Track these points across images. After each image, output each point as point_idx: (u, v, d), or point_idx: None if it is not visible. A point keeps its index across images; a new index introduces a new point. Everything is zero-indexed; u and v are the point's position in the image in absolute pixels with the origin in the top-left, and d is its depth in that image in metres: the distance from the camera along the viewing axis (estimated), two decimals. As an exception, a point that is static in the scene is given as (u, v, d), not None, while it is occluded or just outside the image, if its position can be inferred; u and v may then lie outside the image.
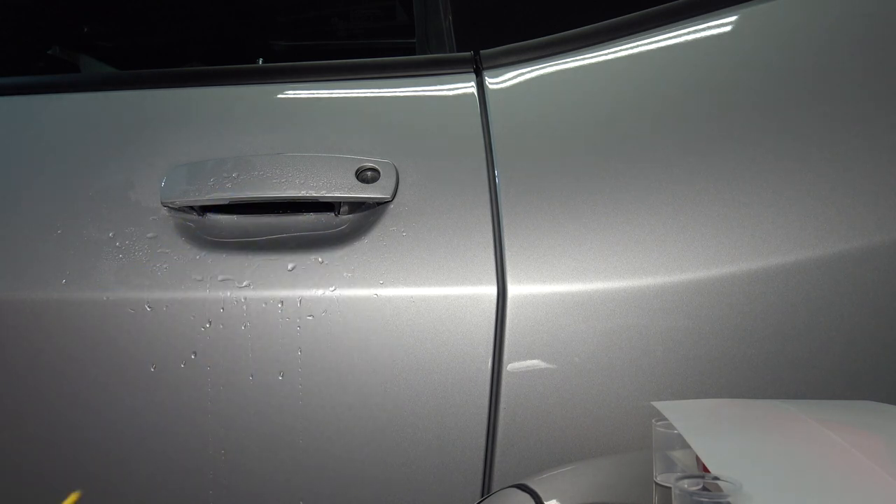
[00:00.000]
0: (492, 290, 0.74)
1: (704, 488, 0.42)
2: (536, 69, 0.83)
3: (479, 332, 0.74)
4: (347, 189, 0.78)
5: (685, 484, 0.42)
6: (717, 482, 0.41)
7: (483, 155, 0.79)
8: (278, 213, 0.82)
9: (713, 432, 0.51)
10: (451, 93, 0.84)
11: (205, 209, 0.82)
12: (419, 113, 0.84)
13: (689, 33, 0.81)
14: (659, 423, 0.53)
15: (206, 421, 0.78)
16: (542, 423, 0.74)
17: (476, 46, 0.87)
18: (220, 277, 0.79)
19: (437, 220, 0.77)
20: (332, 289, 0.77)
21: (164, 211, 0.82)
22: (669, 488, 0.45)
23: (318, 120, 0.85)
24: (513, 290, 0.74)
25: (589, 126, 0.79)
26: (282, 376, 0.77)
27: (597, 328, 0.73)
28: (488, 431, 0.75)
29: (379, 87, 0.86)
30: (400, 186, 0.79)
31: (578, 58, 0.83)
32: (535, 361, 0.74)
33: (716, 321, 0.72)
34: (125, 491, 0.80)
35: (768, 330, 0.71)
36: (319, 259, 0.78)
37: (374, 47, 1.56)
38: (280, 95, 0.87)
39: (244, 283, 0.78)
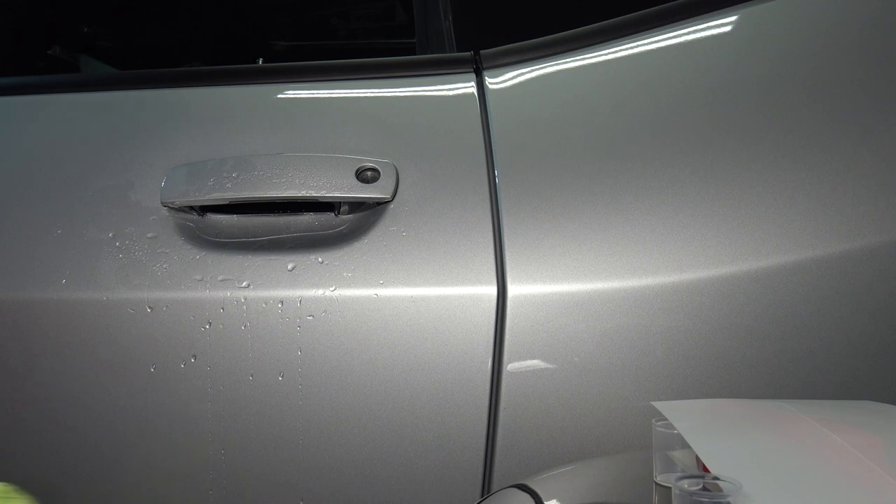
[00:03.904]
0: (492, 290, 0.74)
1: (704, 488, 0.42)
2: (536, 69, 0.83)
3: (479, 332, 0.74)
4: (347, 189, 0.78)
5: (685, 484, 0.42)
6: (717, 482, 0.41)
7: (483, 155, 0.79)
8: (278, 213, 0.82)
9: (713, 432, 0.51)
10: (451, 93, 0.84)
11: (205, 209, 0.82)
12: (419, 113, 0.84)
13: (689, 33, 0.81)
14: (659, 423, 0.53)
15: (206, 421, 0.78)
16: (542, 423, 0.74)
17: (476, 46, 0.87)
18: (220, 277, 0.79)
19: (437, 220, 0.77)
20: (332, 289, 0.77)
21: (164, 211, 0.82)
22: (669, 488, 0.45)
23: (318, 120, 0.85)
24: (513, 290, 0.74)
25: (589, 126, 0.79)
26: (282, 376, 0.77)
27: (597, 328, 0.73)
28: (488, 431, 0.75)
29: (379, 87, 0.86)
30: (400, 186, 0.79)
31: (578, 58, 0.83)
32: (535, 361, 0.74)
33: (716, 321, 0.72)
34: (125, 491, 0.80)
35: (768, 330, 0.71)
36: (319, 259, 0.78)
37: (374, 47, 1.56)
38: (280, 95, 0.87)
39: (244, 283, 0.78)
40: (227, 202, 0.80)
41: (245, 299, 0.78)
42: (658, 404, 0.56)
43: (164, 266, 0.80)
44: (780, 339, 0.71)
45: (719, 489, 0.41)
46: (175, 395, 0.78)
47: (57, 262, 0.81)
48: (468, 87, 0.83)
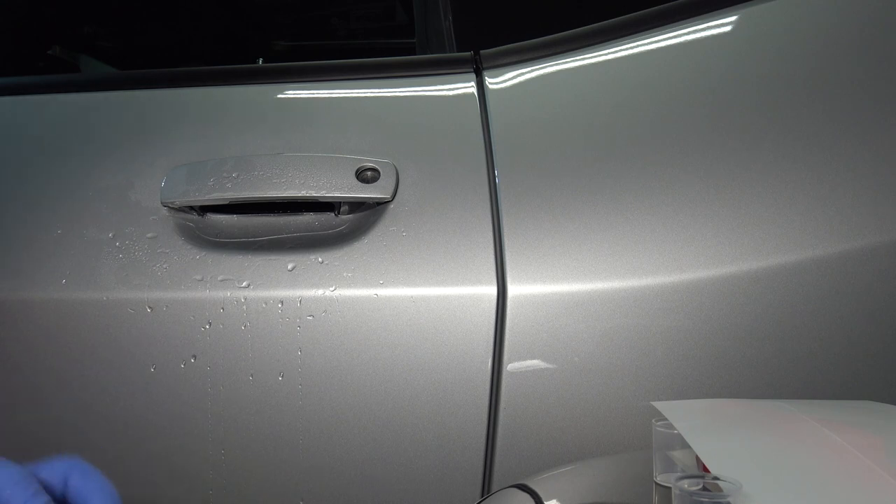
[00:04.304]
0: (492, 290, 0.74)
1: (704, 488, 0.42)
2: (536, 69, 0.83)
3: (479, 332, 0.74)
4: (347, 189, 0.78)
5: (685, 484, 0.42)
6: (717, 482, 0.41)
7: (483, 155, 0.79)
8: (278, 213, 0.82)
9: (713, 432, 0.51)
10: (451, 93, 0.84)
11: (205, 209, 0.82)
12: (419, 113, 0.84)
13: (689, 33, 0.81)
14: (659, 423, 0.53)
15: (206, 421, 0.78)
16: (542, 423, 0.74)
17: (476, 46, 0.87)
18: (220, 277, 0.79)
19: (437, 220, 0.77)
20: (332, 289, 0.77)
21: (164, 211, 0.82)
22: (669, 488, 0.45)
23: (318, 120, 0.85)
24: (513, 290, 0.74)
25: (589, 126, 0.79)
26: (282, 376, 0.77)
27: (597, 328, 0.73)
28: (488, 431, 0.75)
29: (379, 87, 0.86)
30: (400, 186, 0.79)
31: (578, 58, 0.83)
32: (535, 361, 0.74)
33: (716, 321, 0.72)
34: (124, 491, 0.80)
35: (768, 330, 0.71)
36: (319, 259, 0.78)
37: (374, 47, 1.56)
38: (280, 95, 0.87)
39: (244, 283, 0.78)
40: (227, 202, 0.80)
41: (245, 299, 0.78)
42: (658, 404, 0.56)
43: (164, 266, 0.80)
44: (780, 339, 0.71)
45: (719, 489, 0.41)
46: (175, 395, 0.78)
47: (57, 262, 0.81)
48: (468, 87, 0.83)
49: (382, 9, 1.52)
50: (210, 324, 0.78)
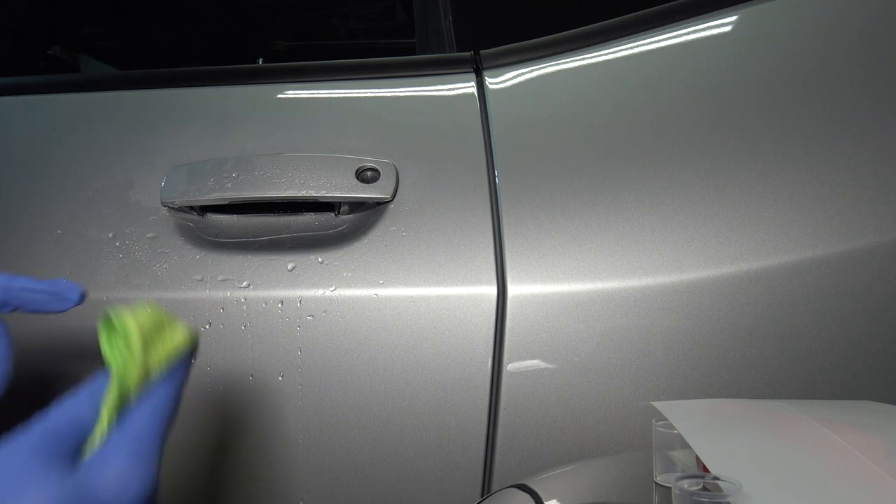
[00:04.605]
0: (492, 290, 0.74)
1: (704, 488, 0.42)
2: (536, 69, 0.83)
3: (479, 332, 0.74)
4: (347, 189, 0.78)
5: (685, 484, 0.42)
6: (717, 482, 0.41)
7: (483, 155, 0.79)
8: (278, 213, 0.82)
9: (713, 432, 0.51)
10: (451, 93, 0.84)
11: (205, 209, 0.82)
12: (419, 113, 0.84)
13: (689, 33, 0.81)
14: (659, 423, 0.53)
15: (206, 421, 0.78)
16: (542, 423, 0.74)
17: (476, 46, 0.87)
18: (220, 277, 0.79)
19: (437, 220, 0.77)
20: (332, 289, 0.77)
21: (164, 211, 0.82)
22: (669, 488, 0.45)
23: (318, 120, 0.85)
24: (513, 290, 0.74)
25: (589, 126, 0.79)
26: (282, 376, 0.77)
27: (597, 328, 0.73)
28: (488, 431, 0.75)
29: (379, 87, 0.86)
30: (400, 186, 0.79)
31: (579, 58, 0.83)
32: (535, 361, 0.74)
33: (716, 321, 0.72)
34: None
35: (768, 330, 0.71)
36: (319, 259, 0.78)
37: (374, 47, 1.56)
38: (280, 95, 0.87)
39: (244, 283, 0.78)
40: (227, 202, 0.80)
41: (245, 299, 0.78)
42: (658, 404, 0.56)
43: (164, 266, 0.80)
44: (780, 339, 0.71)
45: (719, 489, 0.41)
46: (175, 395, 0.78)
47: (57, 262, 0.81)
48: (468, 87, 0.83)
49: (382, 9, 1.52)
50: (210, 324, 0.78)
